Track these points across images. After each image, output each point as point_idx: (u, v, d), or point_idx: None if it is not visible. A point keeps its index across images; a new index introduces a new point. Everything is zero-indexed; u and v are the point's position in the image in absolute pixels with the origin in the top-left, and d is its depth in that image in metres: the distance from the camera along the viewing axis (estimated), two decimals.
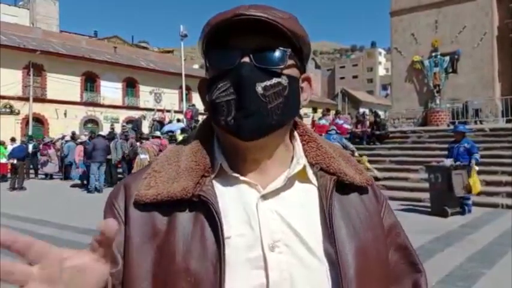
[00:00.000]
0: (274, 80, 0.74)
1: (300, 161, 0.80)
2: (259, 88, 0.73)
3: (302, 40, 0.78)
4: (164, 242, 0.72)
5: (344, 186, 0.80)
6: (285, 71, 0.76)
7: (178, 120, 21.42)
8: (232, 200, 0.75)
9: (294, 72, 0.79)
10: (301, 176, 0.80)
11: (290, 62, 0.77)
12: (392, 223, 0.87)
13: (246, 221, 0.74)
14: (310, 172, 0.81)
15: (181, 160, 0.79)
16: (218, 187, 0.76)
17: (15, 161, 16.02)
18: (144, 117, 23.66)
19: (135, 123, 21.45)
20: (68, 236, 7.51)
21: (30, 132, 28.67)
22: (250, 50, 0.73)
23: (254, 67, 0.73)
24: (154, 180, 0.77)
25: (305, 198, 0.78)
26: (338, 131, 12.70)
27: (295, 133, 0.86)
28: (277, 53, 0.75)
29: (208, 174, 0.76)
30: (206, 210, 0.72)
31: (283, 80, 0.75)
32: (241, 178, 0.77)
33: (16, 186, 15.46)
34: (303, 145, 0.84)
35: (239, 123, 0.73)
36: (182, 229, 0.72)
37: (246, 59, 0.73)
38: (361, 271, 0.74)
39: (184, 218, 0.73)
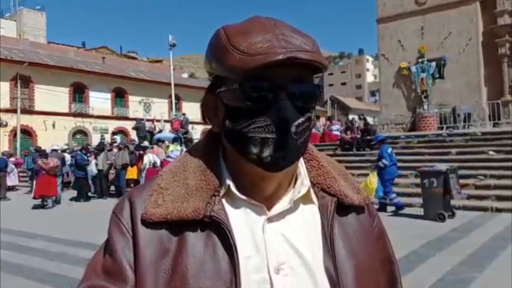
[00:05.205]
0: (306, 116, 0.74)
1: (305, 182, 0.81)
2: (293, 128, 0.72)
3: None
4: (175, 262, 0.71)
5: (344, 207, 0.82)
6: None
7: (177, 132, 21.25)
8: (238, 221, 0.75)
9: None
10: (305, 197, 0.80)
11: None
12: (380, 235, 0.89)
13: (253, 243, 0.74)
14: (312, 192, 0.82)
15: (188, 178, 0.77)
16: (226, 207, 0.76)
17: None
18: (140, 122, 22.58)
19: (139, 128, 21.11)
20: (58, 249, 7.40)
21: (18, 144, 28.34)
22: (285, 82, 0.71)
23: (291, 105, 0.71)
24: (162, 198, 0.75)
25: (308, 219, 0.79)
26: None
27: None
28: (312, 89, 0.74)
29: (218, 194, 0.76)
30: (218, 230, 0.72)
31: (312, 114, 0.76)
32: (248, 200, 0.76)
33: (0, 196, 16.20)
34: (304, 163, 0.84)
35: (276, 162, 0.72)
36: (193, 249, 0.72)
37: (283, 95, 0.71)
38: None
39: (196, 238, 0.73)
